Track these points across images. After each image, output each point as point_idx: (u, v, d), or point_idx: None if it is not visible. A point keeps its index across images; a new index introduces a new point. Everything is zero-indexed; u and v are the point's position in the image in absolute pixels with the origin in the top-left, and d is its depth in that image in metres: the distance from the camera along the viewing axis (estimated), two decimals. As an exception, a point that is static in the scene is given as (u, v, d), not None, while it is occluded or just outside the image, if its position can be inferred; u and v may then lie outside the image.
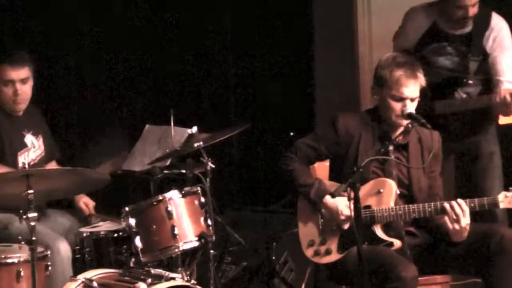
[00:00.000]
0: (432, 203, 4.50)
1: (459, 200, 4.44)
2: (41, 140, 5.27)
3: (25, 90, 5.13)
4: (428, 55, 5.32)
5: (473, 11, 5.19)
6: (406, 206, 4.53)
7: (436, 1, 5.41)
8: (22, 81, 5.11)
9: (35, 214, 4.19)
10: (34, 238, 4.18)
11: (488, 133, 5.49)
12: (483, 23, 5.29)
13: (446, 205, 4.45)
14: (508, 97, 5.06)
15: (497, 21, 5.31)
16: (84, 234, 4.91)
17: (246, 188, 7.14)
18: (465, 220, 4.42)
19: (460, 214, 4.41)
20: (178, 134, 5.34)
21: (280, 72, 7.17)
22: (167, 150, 5.34)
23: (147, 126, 5.70)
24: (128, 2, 6.79)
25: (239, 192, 7.14)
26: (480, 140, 5.43)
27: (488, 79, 5.29)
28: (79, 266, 4.83)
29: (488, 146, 5.46)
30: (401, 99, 4.56)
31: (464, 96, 5.28)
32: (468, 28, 5.31)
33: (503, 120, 6.55)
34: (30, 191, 4.17)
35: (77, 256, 4.87)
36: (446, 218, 4.45)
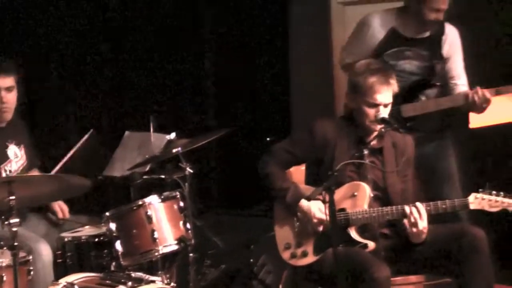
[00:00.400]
0: (399, 206, 4.52)
1: (417, 204, 4.48)
2: (23, 150, 5.23)
3: (10, 99, 5.10)
4: (387, 59, 5.32)
5: (437, 16, 5.24)
6: (379, 208, 4.55)
7: (393, 8, 5.46)
8: (7, 89, 5.08)
9: (17, 220, 4.18)
10: (16, 244, 4.17)
11: (444, 137, 5.53)
12: (439, 29, 5.35)
13: (406, 208, 4.48)
14: (486, 94, 5.12)
15: (450, 27, 5.39)
16: (66, 239, 4.93)
17: (224, 192, 7.16)
18: (422, 224, 4.45)
19: (417, 218, 4.45)
20: (158, 140, 5.36)
21: (258, 79, 7.20)
22: (147, 156, 5.34)
23: (126, 132, 5.71)
24: (106, 9, 6.77)
25: (217, 196, 7.15)
26: (435, 145, 5.45)
27: (445, 83, 5.35)
28: (60, 270, 4.83)
29: (444, 151, 5.50)
30: (375, 105, 4.57)
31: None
32: (426, 33, 5.35)
33: (474, 123, 6.63)
34: (12, 197, 4.16)
35: (58, 260, 4.88)
36: (405, 221, 4.48)
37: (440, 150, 5.46)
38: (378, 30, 5.41)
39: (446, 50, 5.35)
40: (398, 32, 5.37)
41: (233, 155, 6.92)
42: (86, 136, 5.37)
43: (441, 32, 5.36)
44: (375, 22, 5.42)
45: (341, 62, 5.66)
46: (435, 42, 5.35)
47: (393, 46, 5.36)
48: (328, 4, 7.25)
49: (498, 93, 5.15)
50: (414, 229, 4.46)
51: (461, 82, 5.33)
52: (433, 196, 4.89)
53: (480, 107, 5.19)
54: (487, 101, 5.14)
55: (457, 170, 5.49)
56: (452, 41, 5.36)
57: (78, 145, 5.33)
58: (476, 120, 6.66)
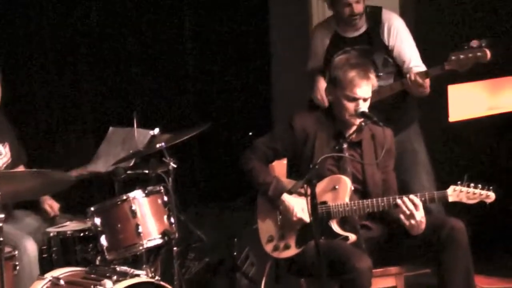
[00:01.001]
0: (385, 198, 4.52)
1: (411, 196, 4.46)
2: (7, 147, 5.18)
3: None
4: None
5: (358, 8, 5.36)
6: (360, 201, 4.55)
7: (332, 14, 5.58)
8: None
9: (1, 216, 4.18)
10: (1, 239, 4.17)
11: (410, 131, 5.56)
12: (375, 20, 5.44)
13: (399, 201, 4.47)
14: (418, 78, 5.16)
15: (388, 15, 5.48)
16: (51, 234, 4.89)
17: (207, 186, 7.16)
18: (420, 214, 4.44)
19: (413, 209, 4.44)
20: (141, 136, 5.34)
21: (239, 75, 7.19)
22: (131, 151, 5.34)
23: (111, 128, 5.69)
24: (88, 9, 6.75)
25: (200, 190, 7.15)
26: (402, 139, 5.45)
27: (399, 70, 5.40)
28: (46, 265, 4.79)
29: (410, 144, 5.54)
30: (355, 99, 4.57)
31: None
32: (363, 28, 5.47)
33: (453, 117, 6.66)
34: (-3, 193, 4.17)
35: (44, 255, 4.84)
36: (401, 214, 4.47)
37: (407, 143, 5.51)
38: (322, 38, 5.61)
39: (386, 38, 5.43)
40: (340, 34, 5.51)
41: (215, 149, 6.92)
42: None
43: (377, 22, 5.44)
44: (319, 31, 5.67)
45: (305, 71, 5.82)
46: (374, 34, 5.43)
47: (340, 48, 5.47)
48: (308, 1, 7.27)
49: (427, 76, 5.19)
50: (413, 221, 4.44)
51: (414, 64, 5.36)
52: (401, 185, 4.93)
53: (417, 91, 5.24)
54: (421, 85, 5.18)
55: (428, 160, 5.52)
56: (391, 27, 5.43)
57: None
58: (455, 114, 6.71)
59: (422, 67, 5.35)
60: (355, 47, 5.42)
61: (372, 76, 4.63)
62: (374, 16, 5.45)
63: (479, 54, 5.05)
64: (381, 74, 5.34)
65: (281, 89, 7.19)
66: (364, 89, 4.59)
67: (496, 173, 6.44)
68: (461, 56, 5.08)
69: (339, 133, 4.69)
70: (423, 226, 4.48)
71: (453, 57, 5.10)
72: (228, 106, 7.15)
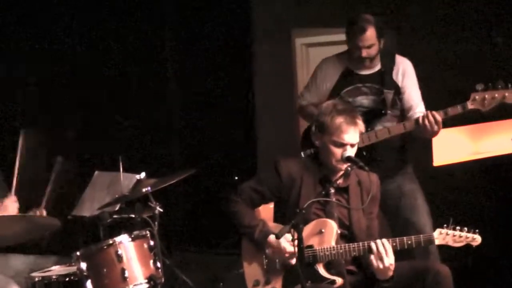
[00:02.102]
0: (366, 242, 4.54)
1: (383, 240, 4.50)
2: None
3: None
4: (345, 96, 5.44)
5: (367, 52, 5.37)
6: (346, 245, 4.57)
7: (345, 51, 5.57)
8: None
9: (-13, 260, 4.20)
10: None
11: (406, 172, 5.57)
12: (390, 60, 5.46)
13: (372, 244, 4.50)
14: (436, 116, 5.13)
15: (401, 59, 5.51)
16: (36, 279, 4.84)
17: (192, 230, 7.15)
18: (388, 260, 4.46)
19: (383, 253, 4.46)
20: (127, 180, 5.37)
21: (224, 119, 7.22)
22: (116, 195, 5.35)
23: (96, 172, 5.71)
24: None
25: (185, 234, 7.14)
26: (397, 181, 5.50)
27: (403, 115, 5.42)
28: (31, 310, 4.80)
29: (408, 184, 5.54)
30: (342, 145, 4.61)
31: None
32: (377, 68, 5.48)
33: (437, 161, 6.72)
34: (-20, 238, 4.18)
35: (28, 300, 4.85)
36: (372, 257, 4.49)
37: (403, 185, 5.52)
38: (331, 72, 5.57)
39: (400, 80, 5.45)
40: (352, 70, 5.50)
41: (200, 194, 6.93)
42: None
43: (391, 62, 5.46)
44: (328, 65, 5.60)
45: (298, 105, 5.77)
46: (387, 73, 5.45)
47: (350, 84, 5.49)
48: (292, 46, 7.36)
49: (446, 114, 5.16)
50: (381, 265, 4.46)
51: (419, 110, 5.37)
52: (403, 230, 4.96)
53: (431, 131, 5.20)
54: (437, 123, 5.15)
55: (423, 199, 5.54)
56: (404, 71, 5.46)
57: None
58: (439, 158, 6.78)
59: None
60: (367, 84, 5.45)
61: (360, 122, 4.66)
62: (389, 56, 5.46)
63: (506, 94, 5.03)
64: (389, 112, 5.39)
65: (267, 132, 7.24)
66: (352, 135, 4.62)
67: (481, 216, 6.52)
68: (486, 96, 5.03)
69: (325, 178, 4.72)
70: (390, 273, 4.50)
71: (476, 96, 5.05)
72: (213, 150, 7.17)
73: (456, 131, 6.91)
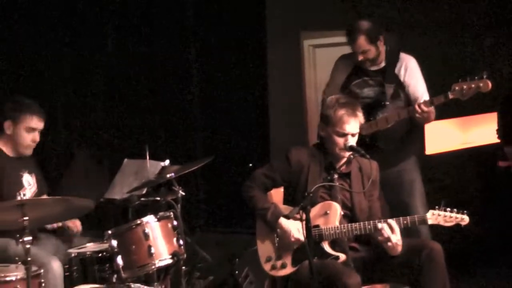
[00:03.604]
0: (371, 222, 4.52)
1: (389, 220, 4.47)
2: (34, 178, 5.20)
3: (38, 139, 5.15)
4: (354, 88, 5.43)
5: (363, 56, 5.37)
6: (349, 224, 4.56)
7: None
8: (40, 131, 5.13)
9: (29, 238, 4.17)
10: (29, 259, 4.16)
11: (409, 161, 5.53)
12: (393, 57, 5.43)
13: (379, 224, 4.48)
14: (423, 106, 5.13)
15: (405, 56, 5.47)
16: (72, 255, 4.90)
17: (211, 212, 7.14)
18: (396, 237, 4.45)
19: (389, 233, 4.44)
20: (153, 167, 5.36)
21: (240, 112, 7.21)
22: (143, 181, 5.34)
23: (125, 160, 5.70)
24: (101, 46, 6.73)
25: (205, 215, 7.13)
26: (400, 170, 5.46)
27: (409, 105, 5.36)
28: (67, 282, 4.78)
29: (408, 175, 5.50)
30: (344, 135, 4.59)
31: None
32: (382, 64, 5.46)
33: (429, 150, 6.68)
34: (25, 218, 4.15)
35: (66, 273, 4.83)
36: (380, 237, 4.47)
37: (405, 173, 5.48)
38: (344, 68, 5.55)
39: (402, 75, 5.41)
40: (360, 67, 5.47)
41: (218, 179, 6.91)
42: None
43: (395, 59, 5.43)
44: (342, 62, 5.59)
45: (321, 99, 5.77)
46: (390, 69, 5.42)
47: (359, 77, 5.48)
48: (301, 47, 7.33)
49: (432, 103, 5.14)
50: (389, 243, 4.45)
51: (425, 99, 5.31)
52: (403, 211, 4.93)
53: (422, 118, 5.20)
54: (425, 112, 5.13)
55: (422, 187, 5.51)
56: (407, 67, 5.42)
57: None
58: (431, 147, 6.74)
59: None
60: (373, 78, 5.43)
61: (360, 114, 4.65)
62: (393, 53, 5.44)
63: (481, 84, 4.99)
64: (388, 103, 5.35)
65: (278, 125, 7.22)
66: (352, 125, 4.60)
67: (469, 198, 6.49)
68: (464, 86, 5.02)
69: (330, 165, 4.70)
70: (399, 248, 4.48)
71: (456, 87, 5.04)
72: (230, 140, 7.15)
73: (447, 123, 6.88)
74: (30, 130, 5.09)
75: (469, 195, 6.74)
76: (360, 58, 5.38)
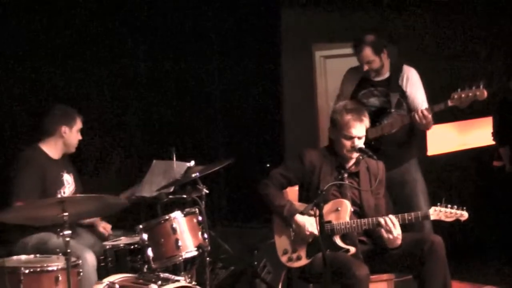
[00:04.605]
0: (375, 218, 4.53)
1: (390, 216, 4.49)
2: (72, 177, 5.23)
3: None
4: (361, 98, 5.42)
5: (369, 66, 5.38)
6: (358, 220, 4.57)
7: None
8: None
9: (69, 232, 4.22)
10: (69, 251, 4.21)
11: (410, 163, 5.51)
12: (397, 69, 5.43)
13: (381, 219, 4.49)
14: (424, 112, 5.12)
15: (407, 68, 5.46)
16: (107, 247, 4.93)
17: (231, 208, 7.13)
18: (396, 231, 4.46)
19: (391, 226, 4.46)
20: (179, 167, 5.36)
21: (258, 118, 7.20)
22: (170, 180, 5.35)
23: (154, 161, 5.71)
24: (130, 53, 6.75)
25: (226, 211, 7.12)
26: (403, 170, 5.44)
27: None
28: (103, 272, 4.81)
29: (410, 175, 5.48)
30: (350, 138, 4.61)
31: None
32: (387, 75, 5.45)
33: (431, 151, 6.69)
34: (65, 214, 4.21)
35: (101, 264, 4.87)
36: (382, 230, 4.49)
37: (407, 174, 5.47)
38: (352, 79, 5.57)
39: (404, 84, 5.40)
40: (366, 78, 5.48)
41: (238, 178, 6.90)
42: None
43: (398, 71, 5.43)
44: (350, 74, 5.61)
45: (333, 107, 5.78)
46: (394, 79, 5.42)
47: (365, 88, 5.48)
48: (312, 58, 7.34)
49: (432, 110, 5.14)
50: (391, 236, 4.45)
51: (422, 108, 5.28)
52: (407, 208, 4.93)
53: (422, 124, 5.18)
54: (425, 118, 5.12)
55: (425, 187, 5.49)
56: (408, 78, 5.41)
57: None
58: (433, 149, 6.75)
59: None
60: (378, 88, 5.43)
61: (365, 118, 4.67)
62: (397, 65, 5.46)
63: (477, 93, 4.98)
64: (393, 110, 5.34)
65: (292, 129, 7.23)
66: (358, 129, 4.61)
67: (467, 196, 6.49)
68: (462, 95, 5.00)
69: (340, 165, 4.71)
70: (398, 241, 4.49)
71: (455, 96, 5.03)
72: (248, 143, 7.15)
73: (447, 127, 6.90)
74: (79, 131, 5.16)
75: (467, 192, 6.74)
76: (366, 68, 5.39)
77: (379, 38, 5.41)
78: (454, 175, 6.83)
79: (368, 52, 5.35)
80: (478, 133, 7.03)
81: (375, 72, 5.43)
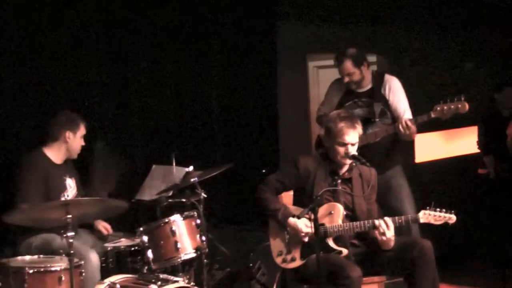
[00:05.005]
0: (371, 220, 4.53)
1: (386, 218, 4.49)
2: (74, 181, 5.21)
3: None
4: (347, 109, 5.37)
5: (349, 78, 5.39)
6: (350, 223, 4.57)
7: None
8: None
9: (72, 233, 4.22)
10: (72, 252, 4.20)
11: (395, 169, 5.50)
12: (379, 80, 5.44)
13: (376, 221, 4.49)
14: (408, 123, 5.12)
15: (389, 78, 5.47)
16: (108, 248, 4.93)
17: (228, 212, 7.12)
18: (390, 233, 4.46)
19: (385, 229, 4.46)
20: (178, 172, 5.36)
21: (254, 125, 7.21)
22: (170, 184, 5.34)
23: (154, 166, 5.70)
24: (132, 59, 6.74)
25: (223, 214, 7.11)
26: (388, 176, 5.42)
27: (394, 122, 5.34)
28: (104, 273, 4.80)
29: (395, 180, 5.47)
30: (344, 144, 4.60)
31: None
32: (369, 86, 5.45)
33: (418, 159, 6.70)
34: (69, 216, 4.20)
35: (103, 265, 4.86)
36: (376, 232, 4.49)
37: (391, 180, 5.45)
38: (337, 90, 5.58)
39: (387, 93, 5.40)
40: (351, 89, 5.49)
41: (235, 183, 6.90)
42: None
43: (380, 81, 5.44)
44: (336, 85, 5.61)
45: (316, 116, 5.78)
46: (377, 90, 5.43)
47: (350, 99, 5.49)
48: (306, 68, 7.36)
49: (416, 121, 5.14)
50: (384, 238, 4.46)
51: (407, 116, 5.30)
52: (392, 212, 4.93)
53: (405, 134, 5.18)
54: (409, 128, 5.12)
55: (410, 191, 5.49)
56: (390, 87, 5.41)
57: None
58: (420, 156, 6.76)
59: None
60: (362, 99, 5.43)
61: (358, 126, 4.66)
62: (379, 77, 5.46)
63: (459, 105, 4.99)
64: (377, 120, 5.35)
65: (286, 136, 7.24)
66: (352, 136, 4.61)
67: (453, 200, 6.49)
68: (445, 107, 5.02)
69: (334, 171, 4.71)
70: (391, 243, 4.49)
71: (438, 108, 5.04)
72: (245, 149, 7.15)
73: (434, 135, 6.92)
74: (83, 137, 5.16)
75: (453, 198, 6.75)
76: (346, 80, 5.41)
77: (360, 52, 5.43)
78: (441, 181, 6.84)
79: (348, 64, 5.36)
80: (464, 142, 7.05)
81: (356, 84, 5.44)
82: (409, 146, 6.28)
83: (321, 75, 7.43)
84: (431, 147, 6.96)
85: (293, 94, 7.21)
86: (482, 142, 6.65)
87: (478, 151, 6.62)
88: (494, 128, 6.48)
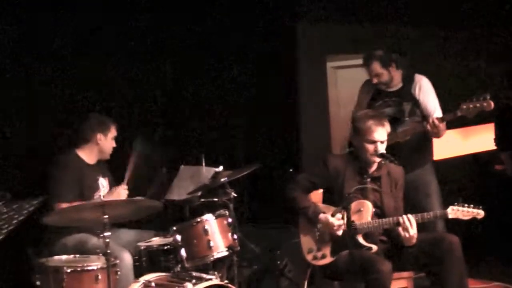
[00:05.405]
0: (395, 217, 4.49)
1: (409, 215, 4.46)
2: (107, 180, 5.18)
3: None
4: (377, 109, 5.35)
5: (377, 79, 5.36)
6: (379, 220, 4.54)
7: None
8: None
9: (109, 233, 4.20)
10: (109, 251, 4.19)
11: (425, 167, 5.47)
12: (409, 79, 5.39)
13: (400, 218, 4.46)
14: (435, 121, 5.08)
15: (419, 77, 5.42)
16: (142, 247, 4.85)
17: (256, 210, 7.04)
18: (413, 230, 4.42)
19: (409, 226, 4.42)
20: (208, 172, 5.31)
21: (277, 126, 7.11)
22: (198, 184, 5.28)
23: (182, 166, 5.65)
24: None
25: (250, 213, 7.03)
26: (418, 173, 5.38)
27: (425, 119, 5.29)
28: (137, 271, 4.75)
29: (424, 177, 5.43)
30: (373, 142, 4.57)
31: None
32: (399, 85, 5.41)
33: (436, 156, 6.64)
34: (105, 216, 4.18)
35: (136, 264, 4.81)
36: (400, 229, 4.45)
37: (421, 178, 5.41)
38: (367, 90, 5.54)
39: (417, 93, 5.36)
40: (380, 89, 5.44)
41: (262, 182, 6.82)
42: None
43: (410, 81, 5.39)
44: (366, 86, 5.57)
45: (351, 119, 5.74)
46: (407, 89, 5.39)
47: (380, 99, 5.44)
48: (325, 69, 7.30)
49: (443, 120, 5.11)
50: (407, 235, 4.41)
51: (436, 116, 5.24)
52: (421, 209, 4.87)
53: (433, 132, 5.15)
54: (436, 126, 5.08)
55: (438, 189, 5.44)
56: (421, 86, 5.37)
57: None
58: (439, 154, 6.69)
59: None
60: (392, 99, 5.39)
61: (386, 123, 4.64)
62: (409, 77, 5.41)
63: (485, 104, 4.95)
64: (407, 119, 5.31)
65: (307, 136, 7.18)
66: (380, 133, 4.58)
67: (472, 196, 6.42)
68: (471, 105, 4.97)
69: (363, 169, 4.67)
70: (414, 240, 4.45)
71: (464, 106, 4.99)
72: (271, 150, 7.07)
73: (451, 133, 6.83)
74: (113, 139, 5.12)
75: (471, 194, 6.69)
76: (375, 81, 5.37)
77: (387, 53, 5.38)
78: (459, 178, 6.78)
79: (376, 66, 5.33)
80: (481, 139, 6.99)
81: (384, 84, 5.40)
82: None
83: (340, 76, 7.38)
84: (448, 144, 6.88)
85: (313, 95, 7.15)
86: (499, 139, 6.58)
87: (495, 147, 6.55)
88: (511, 125, 6.40)
